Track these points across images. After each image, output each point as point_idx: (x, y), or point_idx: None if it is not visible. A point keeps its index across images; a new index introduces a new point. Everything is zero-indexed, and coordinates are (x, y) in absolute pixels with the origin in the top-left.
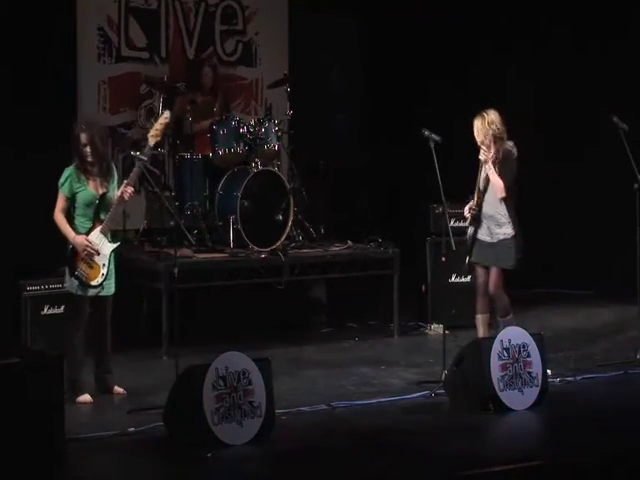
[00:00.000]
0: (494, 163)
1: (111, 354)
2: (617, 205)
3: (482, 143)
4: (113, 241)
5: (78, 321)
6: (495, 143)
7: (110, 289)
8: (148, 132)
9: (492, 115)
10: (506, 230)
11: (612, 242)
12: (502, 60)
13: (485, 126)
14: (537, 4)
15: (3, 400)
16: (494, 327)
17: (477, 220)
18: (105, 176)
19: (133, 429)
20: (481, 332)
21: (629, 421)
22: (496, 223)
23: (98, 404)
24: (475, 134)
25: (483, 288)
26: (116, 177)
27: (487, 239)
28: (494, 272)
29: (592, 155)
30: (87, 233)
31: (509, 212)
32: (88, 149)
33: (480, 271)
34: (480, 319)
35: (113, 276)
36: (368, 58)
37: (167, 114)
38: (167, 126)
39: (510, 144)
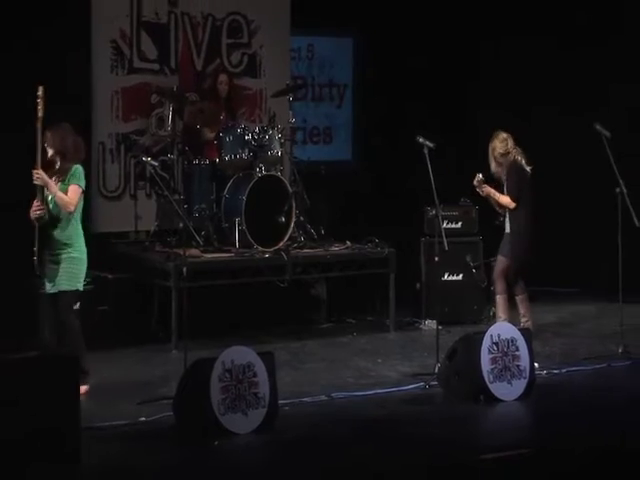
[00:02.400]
0: (505, 179)
1: (84, 354)
2: (601, 208)
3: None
4: None
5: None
6: (501, 164)
7: (56, 286)
8: (156, 138)
9: (495, 141)
10: (507, 228)
11: (596, 243)
12: (495, 72)
13: (490, 154)
14: (529, 18)
15: (22, 391)
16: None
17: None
18: (60, 176)
19: (144, 419)
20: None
21: (612, 411)
22: (506, 223)
23: (111, 395)
24: (503, 152)
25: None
26: (72, 181)
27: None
28: (497, 260)
29: (578, 160)
30: None
31: (510, 215)
32: (48, 148)
33: None
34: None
35: (58, 273)
36: (364, 71)
37: (40, 89)
38: (44, 100)
39: (515, 157)
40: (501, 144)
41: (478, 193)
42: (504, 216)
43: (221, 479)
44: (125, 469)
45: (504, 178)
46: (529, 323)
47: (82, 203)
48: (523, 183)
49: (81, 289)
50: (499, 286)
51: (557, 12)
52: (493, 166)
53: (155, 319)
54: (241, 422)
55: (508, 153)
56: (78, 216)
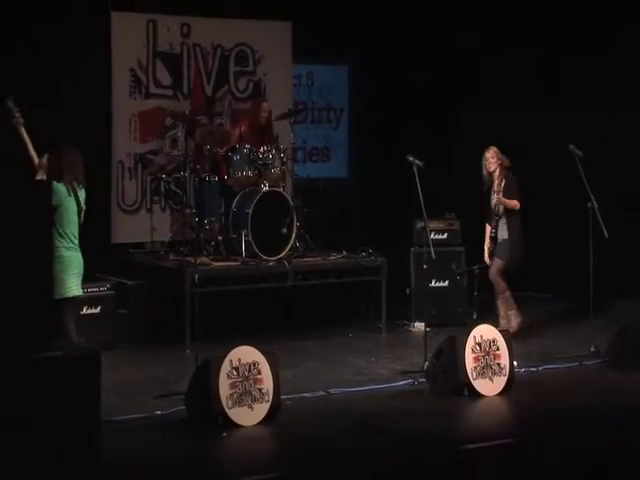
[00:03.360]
0: (503, 189)
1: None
2: (574, 220)
3: (494, 172)
4: None
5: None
6: (501, 172)
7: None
8: (170, 157)
9: (497, 149)
10: (503, 234)
11: (569, 252)
12: (477, 98)
13: (496, 158)
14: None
15: (48, 387)
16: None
17: (495, 238)
18: None
19: (159, 412)
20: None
21: (583, 404)
22: (501, 230)
23: (130, 391)
24: (487, 165)
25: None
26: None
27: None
28: (494, 262)
29: (554, 177)
30: None
31: (507, 222)
32: None
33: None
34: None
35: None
36: (359, 96)
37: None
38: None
39: (507, 166)
40: (501, 155)
41: (462, 207)
42: (496, 226)
43: (229, 468)
44: (141, 458)
45: (501, 188)
46: (517, 321)
47: (61, 220)
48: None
49: (65, 296)
50: (501, 285)
51: (549, 26)
52: (493, 167)
53: (170, 322)
54: (247, 415)
55: (503, 164)
56: (61, 230)
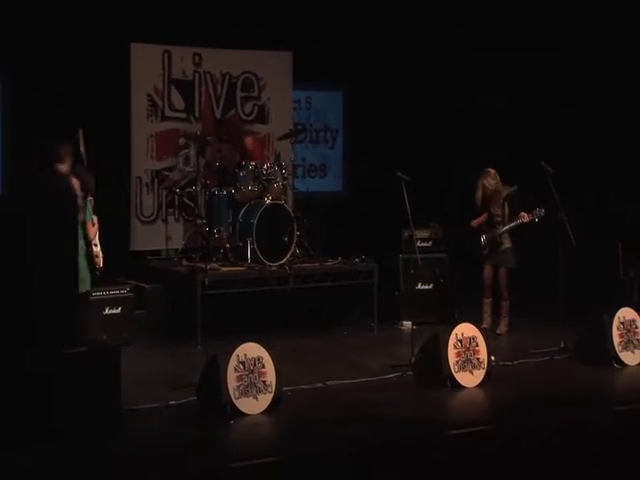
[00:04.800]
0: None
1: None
2: (546, 230)
3: (500, 192)
4: None
5: None
6: (501, 191)
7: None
8: (183, 173)
9: (494, 171)
10: (507, 243)
11: (540, 258)
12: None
13: (498, 179)
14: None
15: (75, 379)
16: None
17: (496, 242)
18: None
19: (173, 402)
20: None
21: (554, 394)
22: (505, 238)
23: (147, 383)
24: (494, 187)
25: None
26: None
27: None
28: (504, 270)
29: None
30: None
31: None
32: None
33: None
34: (487, 302)
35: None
36: (352, 119)
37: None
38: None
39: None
40: (497, 178)
41: (443, 217)
42: (500, 235)
43: (236, 452)
44: (158, 442)
45: (501, 203)
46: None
47: None
48: None
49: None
50: (508, 292)
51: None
52: (491, 190)
53: (183, 321)
54: (252, 405)
55: (499, 183)
56: None
